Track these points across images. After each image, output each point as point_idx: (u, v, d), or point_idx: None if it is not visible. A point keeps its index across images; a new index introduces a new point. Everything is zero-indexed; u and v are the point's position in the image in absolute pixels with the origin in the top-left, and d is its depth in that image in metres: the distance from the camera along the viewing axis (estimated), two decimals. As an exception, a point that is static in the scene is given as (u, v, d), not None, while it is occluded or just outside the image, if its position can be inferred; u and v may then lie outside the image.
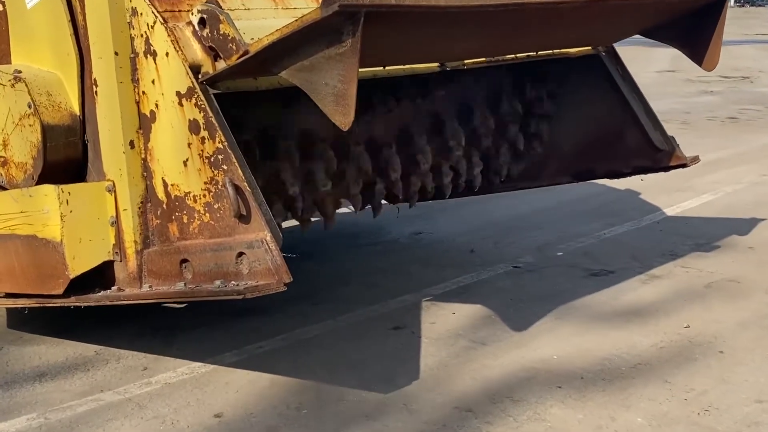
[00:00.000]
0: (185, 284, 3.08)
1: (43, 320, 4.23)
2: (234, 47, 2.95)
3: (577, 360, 3.78)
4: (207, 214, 3.06)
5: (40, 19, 3.44)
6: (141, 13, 3.12)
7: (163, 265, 3.20)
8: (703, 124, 10.02)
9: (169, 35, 3.03)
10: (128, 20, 3.15)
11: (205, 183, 3.04)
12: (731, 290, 4.60)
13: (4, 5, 3.64)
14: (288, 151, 4.00)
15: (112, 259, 3.33)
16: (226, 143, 2.95)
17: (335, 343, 4.01)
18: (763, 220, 5.81)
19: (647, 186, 6.50)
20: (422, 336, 4.06)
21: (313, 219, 4.42)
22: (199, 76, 3.04)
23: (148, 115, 3.18)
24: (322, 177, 4.10)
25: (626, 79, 4.83)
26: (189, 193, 3.12)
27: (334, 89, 2.70)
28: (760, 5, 53.85)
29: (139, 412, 3.36)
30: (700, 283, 4.71)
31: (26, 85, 3.35)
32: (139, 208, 3.26)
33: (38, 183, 3.39)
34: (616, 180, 5.63)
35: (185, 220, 3.14)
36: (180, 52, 3.02)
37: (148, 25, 3.09)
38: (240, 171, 2.93)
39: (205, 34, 3.02)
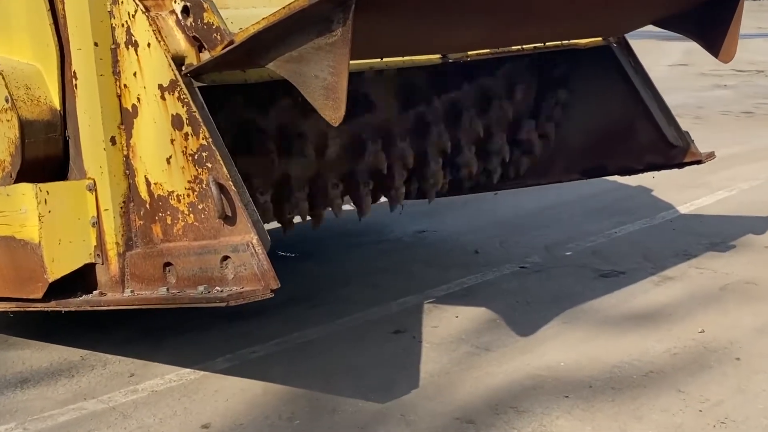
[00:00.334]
0: (168, 289, 2.91)
1: (29, 323, 4.07)
2: (218, 37, 2.77)
3: (585, 367, 3.59)
4: (191, 215, 2.89)
5: (18, 7, 3.27)
6: (122, 2, 2.94)
7: (146, 269, 3.03)
8: (717, 118, 9.80)
9: (150, 25, 2.85)
10: (109, 9, 2.98)
11: (189, 182, 2.87)
12: (748, 293, 4.40)
13: (-20, -7, 3.47)
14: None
15: (93, 261, 3.16)
16: (210, 139, 2.78)
17: (333, 347, 3.84)
18: (780, 218, 5.62)
19: (660, 182, 6.30)
20: (423, 340, 3.88)
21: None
22: (183, 68, 2.87)
23: (130, 110, 3.01)
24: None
25: (639, 72, 4.64)
26: (172, 192, 2.94)
27: (324, 82, 2.52)
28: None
29: (123, 422, 3.19)
30: (715, 285, 4.51)
31: (3, 78, 3.18)
32: (122, 208, 3.09)
33: (17, 181, 3.22)
34: (627, 176, 5.44)
35: (169, 221, 2.97)
36: (162, 43, 2.85)
37: (129, 14, 2.92)
38: (225, 169, 2.75)
39: (188, 24, 2.84)
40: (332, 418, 3.20)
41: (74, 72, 3.09)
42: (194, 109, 2.80)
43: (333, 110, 2.52)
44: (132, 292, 3.05)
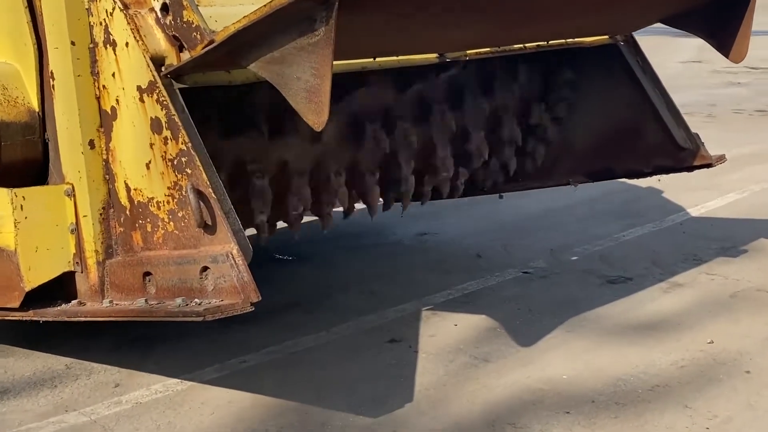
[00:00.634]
0: (147, 300, 2.78)
1: (15, 328, 3.93)
2: (198, 36, 2.64)
3: (588, 380, 3.44)
4: (171, 223, 2.76)
5: (-5, 4, 3.15)
6: (100, -1, 2.81)
7: (125, 278, 2.90)
8: (730, 117, 9.60)
9: (128, 23, 2.73)
10: (86, 6, 2.85)
11: (169, 188, 2.74)
12: (759, 300, 4.24)
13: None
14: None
15: (72, 269, 3.04)
16: (189, 144, 2.64)
17: (326, 357, 3.70)
18: (794, 221, 5.45)
19: (669, 184, 6.14)
20: (420, 350, 3.74)
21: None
22: (163, 69, 2.73)
23: (109, 112, 2.88)
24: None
25: (647, 72, 4.49)
26: (152, 198, 2.81)
27: (306, 84, 2.38)
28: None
29: (103, 437, 3.07)
30: (725, 293, 4.36)
31: (-21, 78, 3.06)
32: (101, 214, 2.97)
33: (-7, 186, 3.10)
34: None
35: (149, 229, 2.84)
36: (141, 42, 2.72)
37: (107, 11, 2.79)
38: (205, 175, 2.62)
39: (168, 22, 2.71)
40: (321, 433, 3.08)
41: (51, 72, 2.97)
42: (173, 112, 2.67)
43: (315, 114, 2.38)
44: (111, 302, 2.93)
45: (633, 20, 4.19)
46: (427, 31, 3.20)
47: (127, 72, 2.78)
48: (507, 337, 3.86)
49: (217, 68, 2.89)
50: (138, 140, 2.80)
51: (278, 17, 2.37)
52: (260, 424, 3.15)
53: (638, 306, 4.22)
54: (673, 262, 4.79)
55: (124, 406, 3.30)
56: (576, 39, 4.30)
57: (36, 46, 3.04)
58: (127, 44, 2.75)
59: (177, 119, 2.67)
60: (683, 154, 4.49)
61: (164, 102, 2.69)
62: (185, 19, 2.67)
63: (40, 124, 3.09)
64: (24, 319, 3.14)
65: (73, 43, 2.87)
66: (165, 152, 2.72)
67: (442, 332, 3.94)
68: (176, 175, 2.69)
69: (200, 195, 2.62)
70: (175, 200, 2.73)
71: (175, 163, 2.69)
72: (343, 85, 3.61)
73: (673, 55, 15.49)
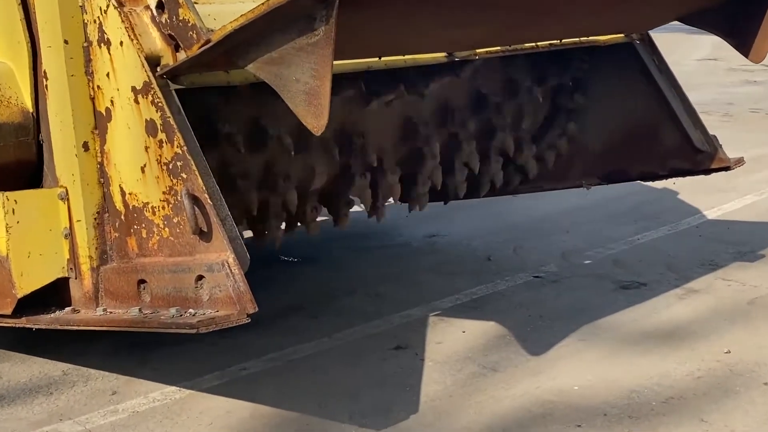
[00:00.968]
0: (140, 309, 2.68)
1: (12, 332, 3.83)
2: (195, 36, 2.53)
3: (600, 392, 3.33)
4: (166, 229, 2.65)
5: (-12, 1, 3.05)
6: (94, -5, 2.70)
7: (120, 285, 2.81)
8: (747, 116, 9.42)
9: (123, 21, 2.62)
10: (80, 3, 2.75)
11: (164, 193, 2.63)
12: (778, 308, 4.12)
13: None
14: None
15: (66, 276, 2.94)
16: (185, 148, 2.54)
17: (329, 365, 3.60)
18: (814, 225, 5.30)
19: (685, 185, 5.99)
20: (426, 358, 3.63)
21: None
22: (158, 69, 2.62)
23: (104, 114, 2.78)
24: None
25: (663, 71, 4.36)
26: (147, 203, 2.71)
27: (305, 86, 2.27)
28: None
29: (97, 448, 2.98)
30: (742, 299, 4.23)
31: (-29, 78, 2.96)
32: (95, 219, 2.87)
33: (-15, 189, 3.00)
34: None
35: (144, 235, 2.74)
36: (135, 41, 2.61)
37: (101, 9, 2.68)
38: (200, 180, 2.52)
39: (163, 21, 2.60)
40: (322, 446, 2.98)
41: (44, 71, 2.87)
42: (169, 114, 2.57)
43: (315, 117, 2.27)
44: (105, 310, 2.83)
45: (649, 18, 4.06)
46: (435, 30, 3.08)
47: (121, 72, 2.68)
48: (517, 345, 3.75)
49: (215, 68, 2.77)
50: (133, 143, 2.70)
51: (276, 16, 2.26)
52: (259, 435, 3.05)
53: (652, 313, 4.10)
54: (688, 266, 4.66)
55: (120, 415, 3.21)
56: (590, 37, 4.18)
57: (29, 44, 2.94)
58: (121, 43, 2.65)
59: (172, 121, 2.56)
60: (700, 156, 4.36)
61: (159, 103, 2.59)
62: (181, 18, 2.56)
63: (35, 125, 3.00)
64: (17, 326, 3.04)
65: (66, 42, 2.77)
66: (160, 156, 2.61)
67: (450, 339, 3.83)
68: (171, 180, 2.59)
69: (195, 200, 2.52)
70: (171, 205, 2.62)
71: (170, 167, 2.59)
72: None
73: (689, 53, 15.28)
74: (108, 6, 2.66)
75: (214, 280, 2.49)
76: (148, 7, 2.65)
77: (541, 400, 3.26)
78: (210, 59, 2.55)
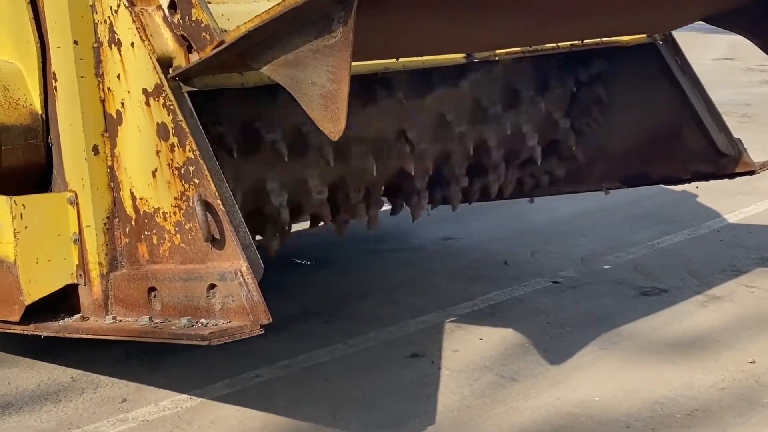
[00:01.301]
0: (151, 318, 2.60)
1: (20, 337, 3.75)
2: (207, 37, 2.45)
3: (623, 403, 3.23)
4: (177, 235, 2.58)
5: (-3, 0, 2.98)
6: (104, -6, 2.63)
7: (130, 293, 2.73)
8: (766, 117, 9.28)
9: (134, 21, 2.54)
10: (91, 3, 2.67)
11: (175, 198, 2.55)
12: (804, 316, 4.01)
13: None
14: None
15: (75, 282, 2.86)
16: (197, 152, 2.46)
17: (343, 373, 3.51)
18: (838, 229, 5.19)
19: (706, 188, 5.82)
20: (443, 367, 3.55)
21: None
22: (171, 71, 2.54)
23: (114, 116, 2.70)
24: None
25: (686, 73, 4.26)
26: (158, 209, 2.63)
27: (322, 89, 2.18)
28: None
29: (106, 459, 2.91)
30: (766, 307, 4.13)
31: (-22, 78, 2.89)
32: (105, 224, 2.79)
33: (-6, 192, 2.93)
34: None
35: (155, 241, 2.66)
36: (147, 42, 2.53)
37: (111, 9, 2.61)
38: (213, 186, 2.44)
39: (176, 21, 2.52)
40: (335, 459, 2.89)
41: (54, 73, 2.79)
42: (181, 117, 2.49)
43: (332, 122, 2.18)
44: (114, 318, 2.76)
45: (673, 18, 3.96)
46: (453, 31, 2.99)
47: (132, 74, 2.60)
48: (536, 353, 3.66)
49: (228, 70, 2.69)
50: (144, 147, 2.62)
51: (293, 17, 2.18)
52: (271, 446, 2.98)
53: (674, 320, 4.00)
54: (710, 272, 4.56)
55: (129, 423, 3.14)
56: (612, 38, 4.08)
57: (38, 44, 2.87)
58: (132, 44, 2.57)
59: (185, 125, 2.49)
60: (724, 160, 4.25)
61: (171, 107, 2.51)
62: (194, 18, 2.48)
63: (43, 127, 2.92)
64: (25, 333, 2.97)
65: (76, 42, 2.69)
66: (172, 160, 2.54)
67: (467, 347, 3.74)
68: (183, 185, 2.51)
69: (208, 206, 2.44)
70: (182, 211, 2.55)
71: (182, 172, 2.51)
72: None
73: (705, 53, 15.09)
74: (119, 6, 2.58)
75: (227, 289, 2.40)
76: (160, 7, 2.57)
77: (563, 412, 3.17)
78: (224, 61, 2.47)
